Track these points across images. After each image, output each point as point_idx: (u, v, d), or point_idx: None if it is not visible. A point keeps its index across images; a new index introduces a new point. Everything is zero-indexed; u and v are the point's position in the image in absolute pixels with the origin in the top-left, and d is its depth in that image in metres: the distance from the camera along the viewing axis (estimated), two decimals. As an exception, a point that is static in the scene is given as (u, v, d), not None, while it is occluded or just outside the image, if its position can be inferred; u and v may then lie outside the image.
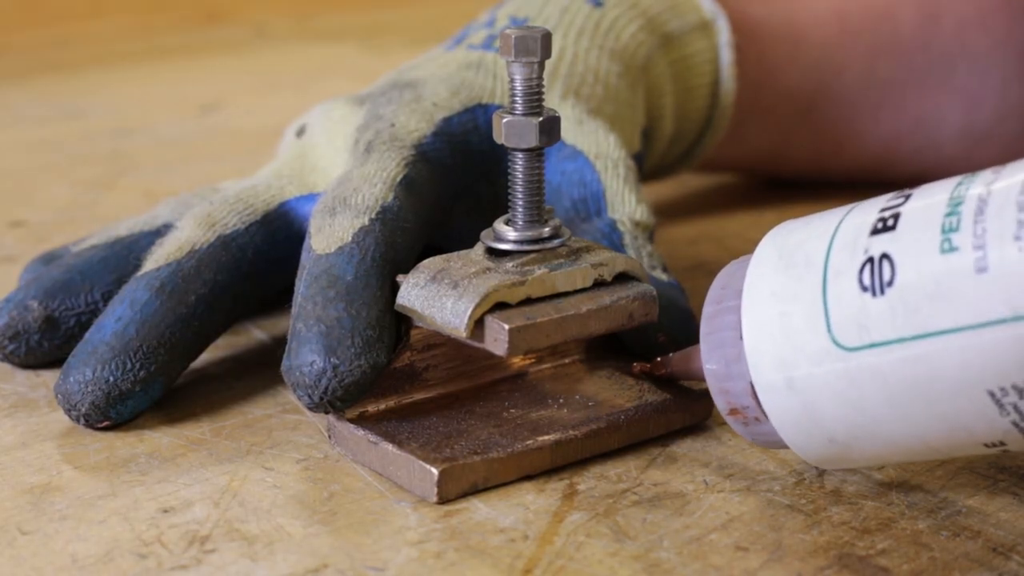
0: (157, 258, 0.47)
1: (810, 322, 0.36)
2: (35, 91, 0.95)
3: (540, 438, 0.42)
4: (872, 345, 0.35)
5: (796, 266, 0.37)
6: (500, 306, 0.41)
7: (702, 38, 0.58)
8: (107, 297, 0.48)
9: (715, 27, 0.59)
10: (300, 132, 0.53)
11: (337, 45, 1.11)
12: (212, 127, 0.86)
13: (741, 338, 0.38)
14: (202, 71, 1.02)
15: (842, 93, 0.64)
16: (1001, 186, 0.34)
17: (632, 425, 0.43)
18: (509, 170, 0.43)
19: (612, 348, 0.47)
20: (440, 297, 0.42)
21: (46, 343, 0.48)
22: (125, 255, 0.49)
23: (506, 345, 0.40)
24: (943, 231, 0.34)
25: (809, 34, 0.63)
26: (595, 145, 0.50)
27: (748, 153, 0.65)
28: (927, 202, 0.35)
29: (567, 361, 0.46)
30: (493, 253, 0.43)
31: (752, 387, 0.38)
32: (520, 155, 0.43)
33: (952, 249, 0.34)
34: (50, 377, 0.48)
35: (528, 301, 0.42)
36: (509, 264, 0.42)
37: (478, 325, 0.41)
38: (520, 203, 0.43)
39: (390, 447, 0.41)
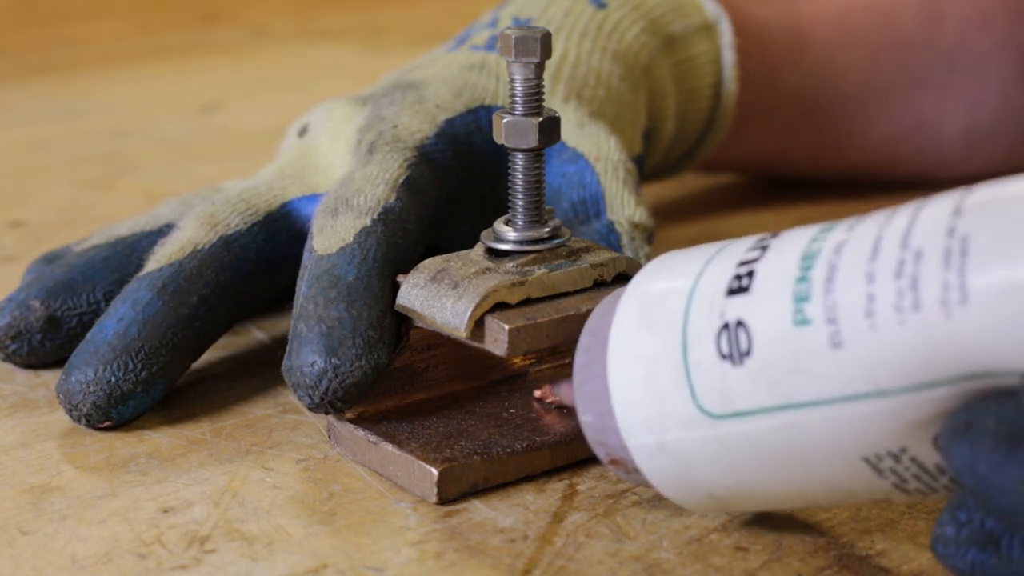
0: (159, 258, 0.47)
1: (674, 388, 0.35)
2: (35, 91, 0.95)
3: (540, 438, 0.42)
4: (738, 414, 0.34)
5: (656, 325, 0.36)
6: (500, 306, 0.41)
7: (705, 40, 0.58)
8: (109, 297, 0.48)
9: (718, 29, 0.59)
10: (302, 132, 0.53)
11: (337, 45, 1.11)
12: (212, 127, 0.86)
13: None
14: (202, 71, 1.02)
15: (843, 94, 0.64)
16: (850, 249, 0.32)
17: (632, 425, 0.43)
18: (509, 170, 0.43)
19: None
20: (440, 297, 0.42)
21: (48, 343, 0.48)
22: (127, 255, 0.49)
23: (506, 345, 0.40)
24: (795, 299, 0.33)
25: (811, 35, 0.63)
26: (595, 148, 0.50)
27: (749, 153, 0.65)
28: (780, 261, 0.34)
29: (567, 361, 0.46)
30: (493, 253, 0.43)
31: None
32: (520, 155, 0.43)
33: (804, 321, 0.32)
34: (50, 377, 0.48)
35: (528, 301, 0.42)
36: (509, 264, 0.42)
37: (478, 325, 0.41)
38: (520, 203, 0.43)
39: (390, 447, 0.41)
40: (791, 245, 0.34)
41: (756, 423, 0.34)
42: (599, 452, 0.38)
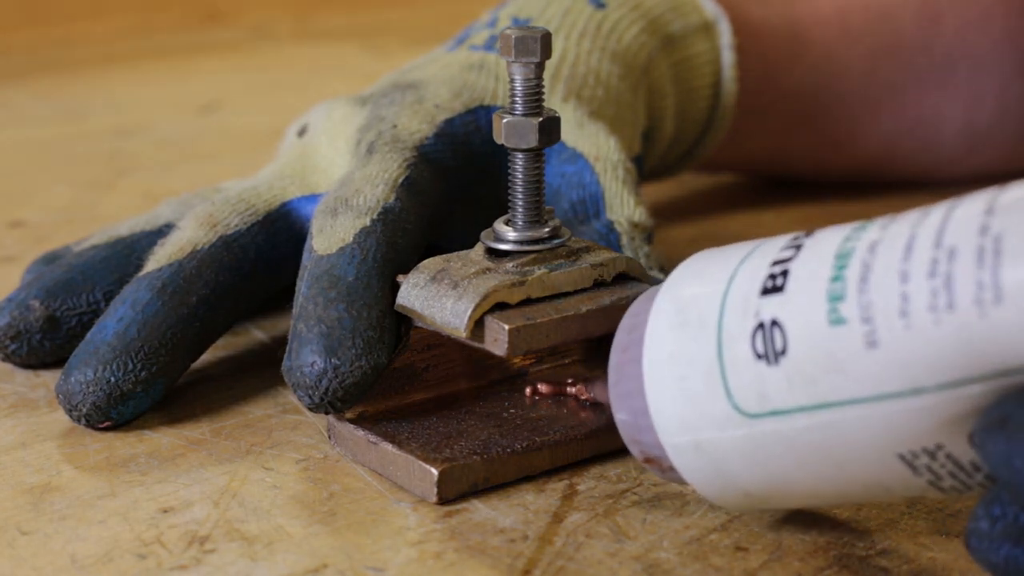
0: (159, 258, 0.47)
1: (709, 387, 0.35)
2: (35, 91, 0.95)
3: (540, 438, 0.42)
4: (773, 413, 0.34)
5: (691, 325, 0.36)
6: (500, 306, 0.41)
7: (704, 40, 0.58)
8: (109, 297, 0.48)
9: (717, 29, 0.59)
10: (302, 132, 0.53)
11: (337, 45, 1.11)
12: (212, 127, 0.86)
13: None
14: (202, 71, 1.02)
15: (843, 94, 0.64)
16: (884, 249, 0.32)
17: (632, 425, 0.43)
18: (509, 170, 0.43)
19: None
20: (440, 297, 0.42)
21: (48, 343, 0.48)
22: (127, 255, 0.49)
23: (506, 345, 0.40)
24: (829, 299, 0.33)
25: (810, 35, 0.63)
26: (595, 148, 0.50)
27: (748, 153, 0.65)
28: (814, 260, 0.34)
29: (567, 361, 0.46)
30: (493, 253, 0.43)
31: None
32: (520, 155, 0.43)
33: (840, 321, 0.32)
34: (50, 377, 0.48)
35: (528, 301, 0.42)
36: (509, 264, 0.42)
37: (478, 325, 0.41)
38: (520, 203, 0.43)
39: (390, 447, 0.41)
40: (825, 244, 0.34)
41: (792, 422, 0.34)
42: (634, 450, 0.38)
